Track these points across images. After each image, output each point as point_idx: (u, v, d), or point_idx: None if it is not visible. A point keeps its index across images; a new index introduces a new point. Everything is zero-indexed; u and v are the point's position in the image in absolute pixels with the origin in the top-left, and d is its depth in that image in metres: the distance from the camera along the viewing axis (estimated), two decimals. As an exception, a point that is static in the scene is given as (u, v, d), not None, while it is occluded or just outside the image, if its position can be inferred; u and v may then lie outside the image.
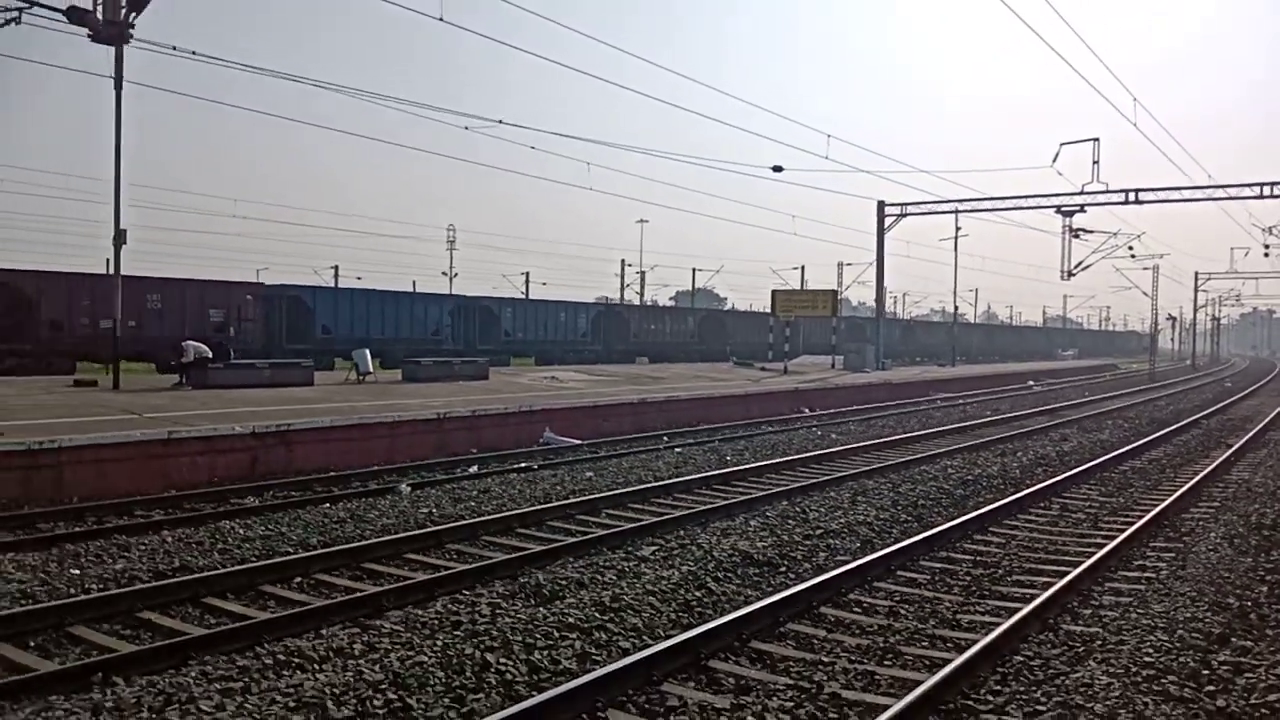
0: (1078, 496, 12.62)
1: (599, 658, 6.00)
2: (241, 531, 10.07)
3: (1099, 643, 6.47)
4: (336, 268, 70.04)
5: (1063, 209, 35.74)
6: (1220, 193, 33.69)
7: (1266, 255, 43.50)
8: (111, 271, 20.64)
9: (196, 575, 8.18)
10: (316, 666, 5.72)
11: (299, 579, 8.50)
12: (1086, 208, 35.60)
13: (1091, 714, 5.20)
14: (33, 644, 6.64)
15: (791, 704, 5.41)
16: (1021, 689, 5.63)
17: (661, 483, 13.27)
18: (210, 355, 19.15)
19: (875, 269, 40.25)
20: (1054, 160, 34.63)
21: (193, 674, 5.69)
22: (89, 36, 9.46)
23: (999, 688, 5.67)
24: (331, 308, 35.39)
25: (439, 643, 6.05)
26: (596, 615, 6.73)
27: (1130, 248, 39.15)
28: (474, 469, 14.98)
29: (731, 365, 38.02)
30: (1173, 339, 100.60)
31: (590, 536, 9.67)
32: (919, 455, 16.16)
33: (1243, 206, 36.88)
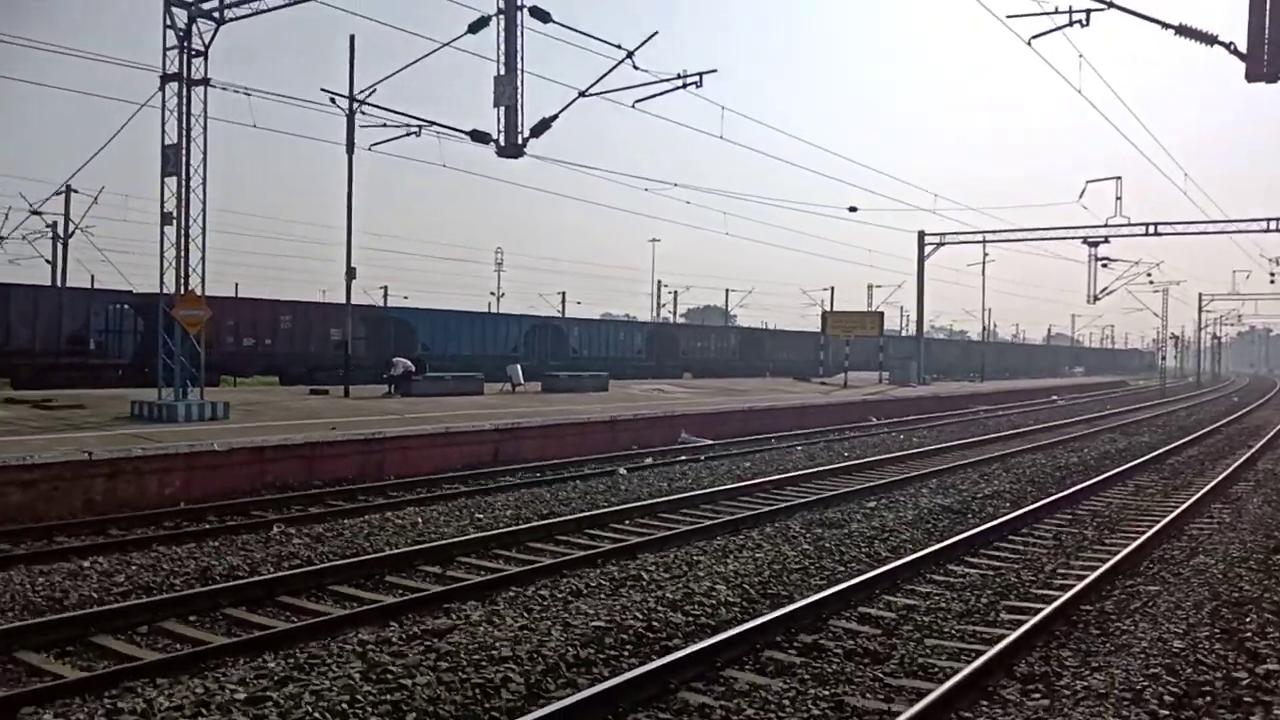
0: (1146, 479, 16.42)
1: (902, 551, 9.80)
2: (549, 496, 13.82)
3: (1200, 549, 10.29)
4: (385, 288, 73.92)
5: (1089, 240, 39.73)
6: (1231, 226, 37.75)
7: (1273, 282, 47.50)
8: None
9: (569, 518, 11.90)
10: (737, 556, 9.52)
11: (627, 521, 12.25)
12: (1110, 239, 39.58)
13: (1213, 574, 9.01)
14: (514, 552, 10.33)
15: (1030, 573, 9.20)
16: (1164, 568, 9.43)
17: (811, 470, 16.99)
18: (414, 369, 22.95)
19: (916, 293, 44.30)
20: (1080, 196, 38.49)
21: (647, 562, 9.44)
22: (495, 152, 13.11)
23: (1150, 566, 9.47)
24: (429, 327, 39.23)
25: (802, 542, 9.86)
26: (880, 533, 10.58)
27: (1149, 275, 43.12)
28: (649, 460, 18.69)
29: (793, 380, 41.83)
30: (1175, 357, 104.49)
31: (812, 499, 13.41)
32: (1006, 452, 20.00)
33: (1249, 237, 40.86)
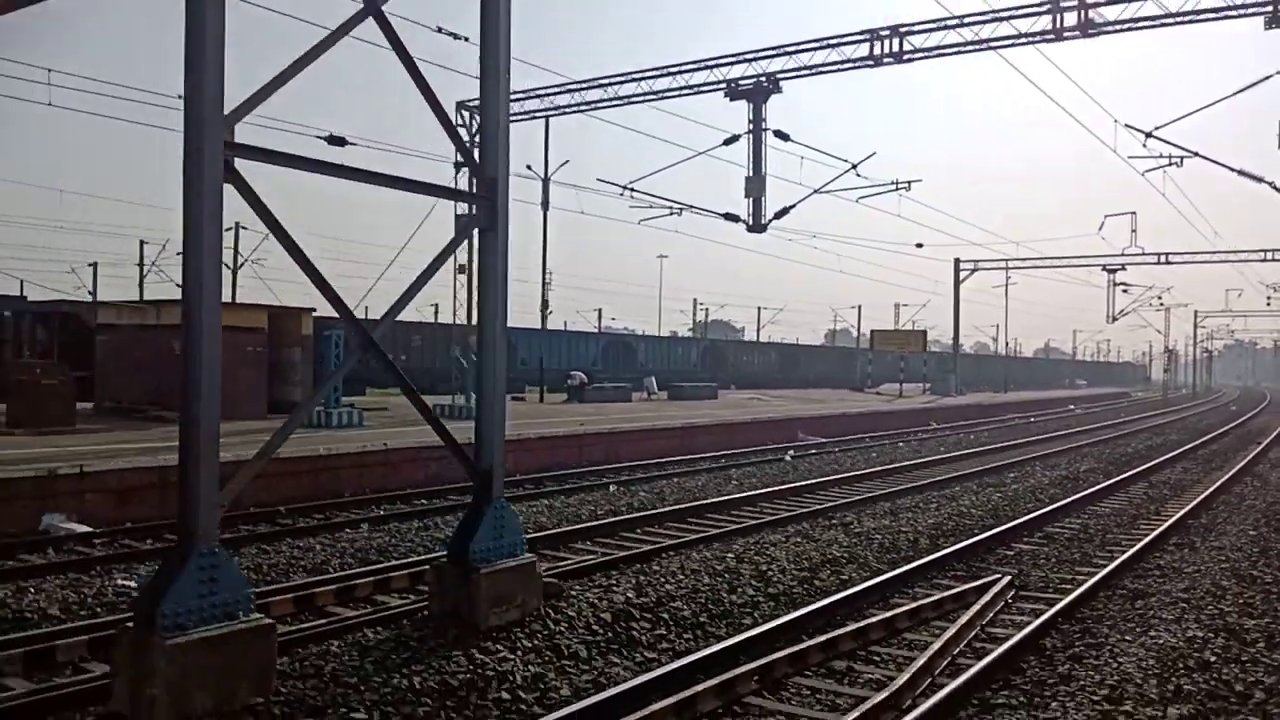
0: (1188, 464, 21.62)
1: (1056, 499, 14.91)
2: (758, 473, 18.82)
3: (1245, 498, 15.48)
4: (436, 305, 79.08)
5: (1108, 267, 45.18)
6: (1235, 257, 43.27)
7: (1269, 304, 53.09)
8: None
9: (801, 484, 16.90)
10: (960, 500, 14.64)
11: (835, 489, 17.26)
12: (1126, 266, 45.02)
13: (1259, 508, 14.16)
14: (788, 501, 15.34)
15: (1143, 510, 14.32)
16: (1227, 506, 14.59)
17: (931, 458, 21.98)
18: (587, 381, 28.04)
19: (953, 314, 49.64)
20: (1100, 229, 43.89)
21: (904, 504, 14.51)
22: (745, 229, 18.06)
23: (1217, 506, 14.62)
24: (525, 344, 44.30)
25: (993, 493, 15.01)
26: (1034, 490, 15.77)
27: (1160, 298, 48.62)
28: (790, 453, 23.70)
29: (849, 391, 47.02)
30: (1166, 369, 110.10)
31: (964, 473, 18.43)
32: (1071, 446, 25.23)
33: (1246, 265, 46.39)
